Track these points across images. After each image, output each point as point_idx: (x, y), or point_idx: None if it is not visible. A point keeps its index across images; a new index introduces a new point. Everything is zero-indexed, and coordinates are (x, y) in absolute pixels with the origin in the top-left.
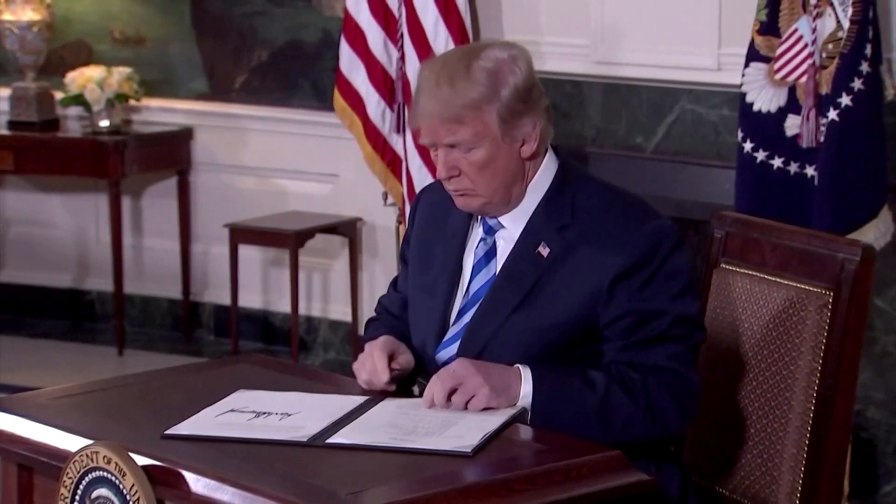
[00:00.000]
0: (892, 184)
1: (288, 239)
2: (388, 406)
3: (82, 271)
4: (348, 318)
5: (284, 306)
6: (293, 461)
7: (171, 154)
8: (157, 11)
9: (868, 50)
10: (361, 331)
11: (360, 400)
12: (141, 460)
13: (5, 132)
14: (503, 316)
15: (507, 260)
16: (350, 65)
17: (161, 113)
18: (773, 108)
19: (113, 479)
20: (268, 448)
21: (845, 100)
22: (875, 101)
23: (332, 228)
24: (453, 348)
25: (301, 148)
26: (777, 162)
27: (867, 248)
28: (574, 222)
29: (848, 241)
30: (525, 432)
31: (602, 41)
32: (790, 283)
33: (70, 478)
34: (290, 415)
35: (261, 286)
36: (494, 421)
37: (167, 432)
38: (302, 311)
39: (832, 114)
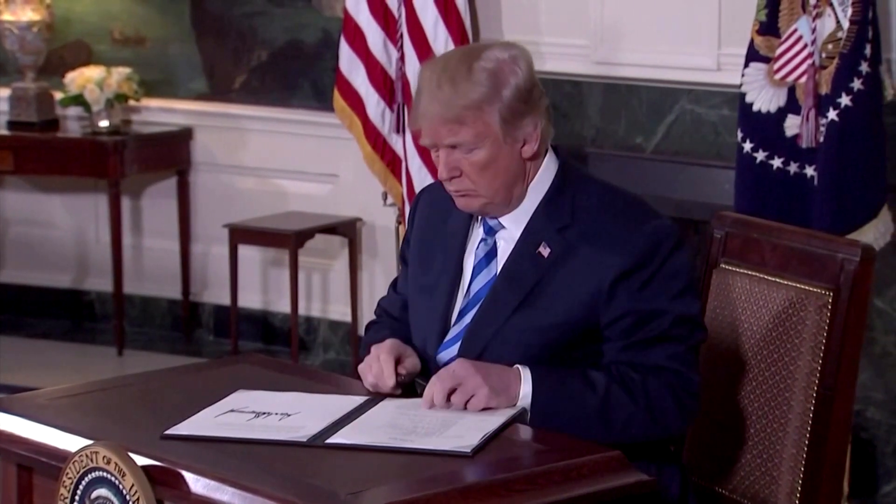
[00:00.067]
0: (891, 184)
1: (288, 239)
2: (388, 406)
3: (82, 271)
4: (348, 318)
5: (284, 306)
6: (293, 461)
7: (170, 154)
8: (156, 12)
9: (868, 50)
10: (361, 331)
11: (359, 400)
12: (141, 460)
13: (5, 132)
14: (504, 316)
15: (507, 260)
16: (350, 65)
17: (161, 113)
18: (773, 109)
19: (112, 479)
20: (267, 448)
21: (845, 100)
22: (875, 102)
23: (331, 229)
24: (454, 349)
25: (301, 148)
26: (777, 162)
27: (867, 249)
28: (574, 222)
29: (847, 242)
30: (525, 432)
31: (602, 41)
32: (790, 283)
33: (70, 478)
34: (289, 415)
35: (260, 286)
36: (494, 421)
37: (167, 432)
38: (301, 311)
39: (832, 114)
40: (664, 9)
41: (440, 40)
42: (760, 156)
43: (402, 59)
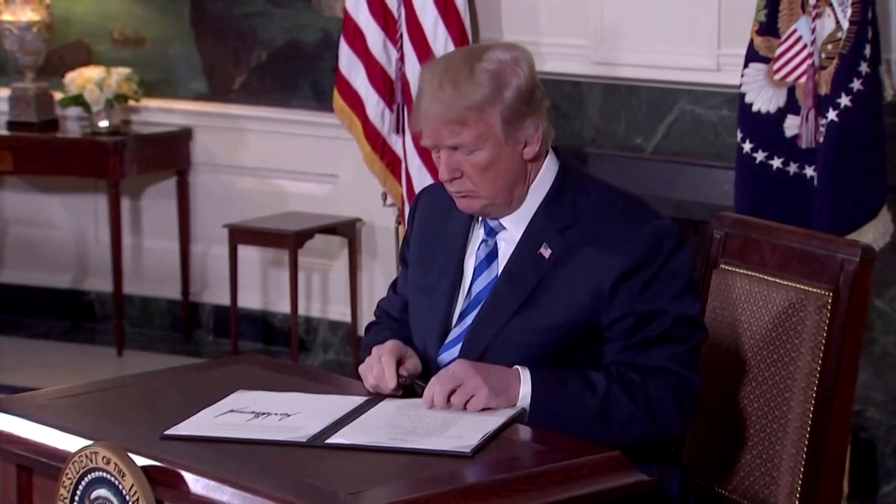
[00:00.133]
0: (891, 184)
1: (287, 239)
2: (388, 406)
3: (82, 272)
4: (347, 318)
5: (284, 307)
6: (292, 461)
7: (170, 154)
8: (156, 12)
9: (867, 50)
10: (361, 331)
11: (359, 400)
12: (140, 461)
13: (5, 132)
14: (505, 318)
15: (508, 262)
16: (349, 65)
17: (160, 113)
18: (773, 109)
19: (112, 479)
20: (267, 448)
21: (844, 100)
22: (874, 102)
23: (331, 229)
24: (455, 350)
25: (300, 148)
26: (776, 162)
27: (866, 249)
28: (575, 223)
29: (847, 242)
30: (525, 433)
31: (601, 42)
32: (789, 283)
33: (69, 478)
34: (289, 415)
35: (260, 287)
36: (494, 421)
37: (166, 433)
38: (301, 311)
39: (831, 114)
40: (664, 9)
41: (440, 40)
42: (760, 156)
43: (401, 59)
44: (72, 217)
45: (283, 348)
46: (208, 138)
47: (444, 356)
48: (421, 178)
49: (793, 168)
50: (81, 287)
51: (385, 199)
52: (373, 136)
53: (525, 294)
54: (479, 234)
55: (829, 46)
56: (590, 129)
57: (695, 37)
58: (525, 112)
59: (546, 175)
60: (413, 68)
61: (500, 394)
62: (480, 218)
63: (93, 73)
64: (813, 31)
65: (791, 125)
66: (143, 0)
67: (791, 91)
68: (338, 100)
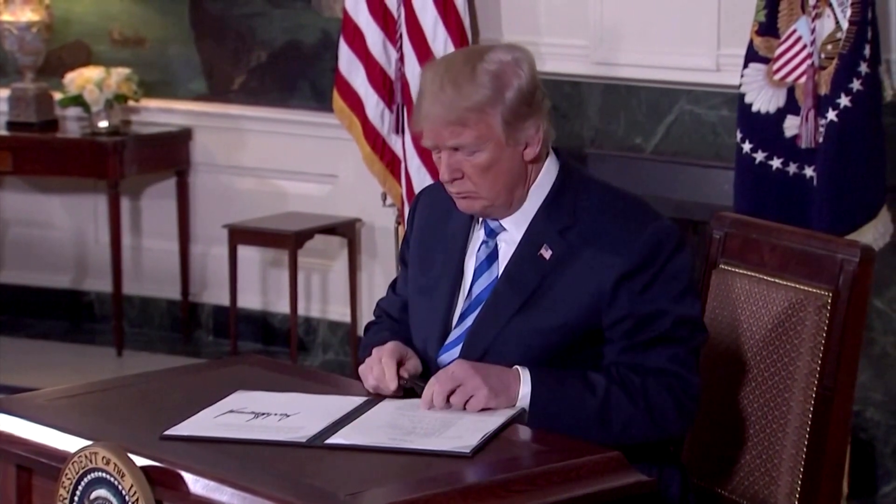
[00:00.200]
0: (890, 184)
1: (287, 240)
2: (388, 407)
3: (81, 272)
4: (347, 318)
5: (283, 307)
6: (292, 462)
7: (169, 155)
8: (156, 12)
9: (867, 51)
10: (360, 332)
11: (359, 400)
12: (140, 461)
13: (4, 133)
14: (506, 319)
15: (509, 263)
16: (349, 65)
17: (160, 114)
18: (772, 109)
19: (112, 479)
20: (267, 449)
21: (844, 100)
22: (874, 102)
23: (331, 229)
24: (455, 351)
25: (300, 149)
26: (776, 163)
27: (866, 249)
28: (575, 224)
29: (847, 242)
30: (524, 433)
31: (601, 42)
32: (789, 283)
33: (69, 479)
34: (289, 415)
35: (260, 287)
36: (493, 421)
37: (166, 433)
38: (301, 311)
39: (831, 114)
40: (663, 9)
41: (439, 41)
42: (760, 156)
43: (401, 59)
44: (71, 217)
45: (283, 349)
46: (208, 139)
47: (445, 357)
48: (420, 179)
49: (792, 168)
50: (81, 287)
51: (385, 199)
52: (372, 137)
53: (525, 295)
54: (479, 234)
55: (829, 47)
56: (589, 129)
57: (694, 37)
58: (526, 113)
59: (546, 176)
60: (413, 69)
61: (500, 394)
62: (481, 219)
63: (92, 73)
64: (812, 31)
65: (791, 125)
66: (142, 0)
67: (791, 91)
68: (337, 100)
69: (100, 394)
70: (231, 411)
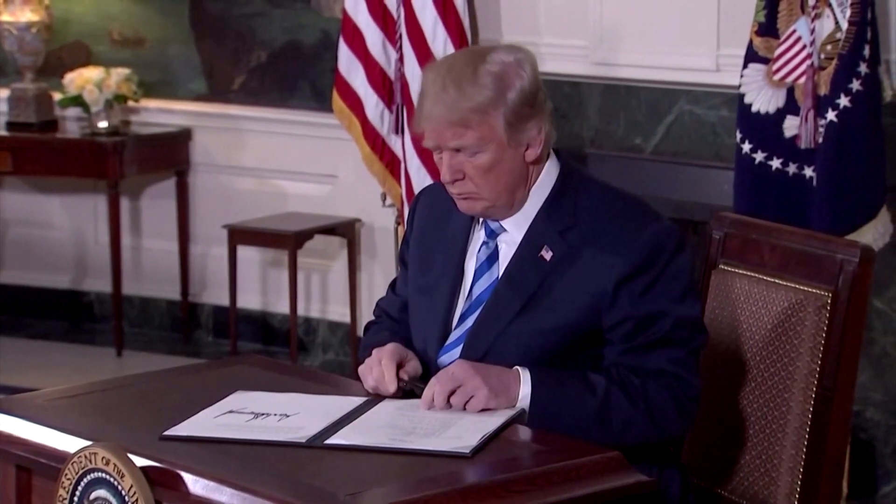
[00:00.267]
0: (890, 185)
1: (287, 240)
2: (387, 407)
3: (81, 272)
4: (347, 319)
5: (283, 307)
6: (292, 462)
7: (169, 155)
8: (155, 12)
9: (866, 51)
10: (360, 332)
11: (358, 401)
12: (139, 461)
13: (4, 133)
14: (506, 320)
15: (509, 264)
16: (349, 66)
17: (160, 114)
18: (772, 109)
19: (111, 480)
20: (266, 449)
21: (844, 101)
22: (873, 102)
23: (330, 229)
24: (456, 352)
25: (300, 149)
26: (776, 163)
27: (866, 249)
28: (576, 225)
29: (846, 242)
30: (524, 433)
31: (601, 42)
32: (789, 284)
33: (69, 479)
34: (288, 416)
35: (259, 287)
36: (493, 422)
37: (166, 433)
38: (301, 312)
39: (831, 115)
40: (663, 10)
41: (439, 41)
42: (759, 156)
43: (400, 59)
44: (71, 217)
45: (283, 349)
46: (208, 139)
47: (445, 358)
48: (420, 179)
49: (792, 168)
50: (81, 287)
51: (384, 199)
52: (372, 137)
53: (526, 296)
54: (479, 235)
55: (829, 47)
56: (589, 129)
57: (694, 37)
58: (528, 114)
59: (547, 177)
60: (412, 69)
61: (500, 394)
62: (481, 219)
63: (92, 73)
64: (812, 31)
65: (790, 126)
66: (142, 1)
67: (790, 91)
68: (337, 100)
69: (99, 394)
70: (231, 411)
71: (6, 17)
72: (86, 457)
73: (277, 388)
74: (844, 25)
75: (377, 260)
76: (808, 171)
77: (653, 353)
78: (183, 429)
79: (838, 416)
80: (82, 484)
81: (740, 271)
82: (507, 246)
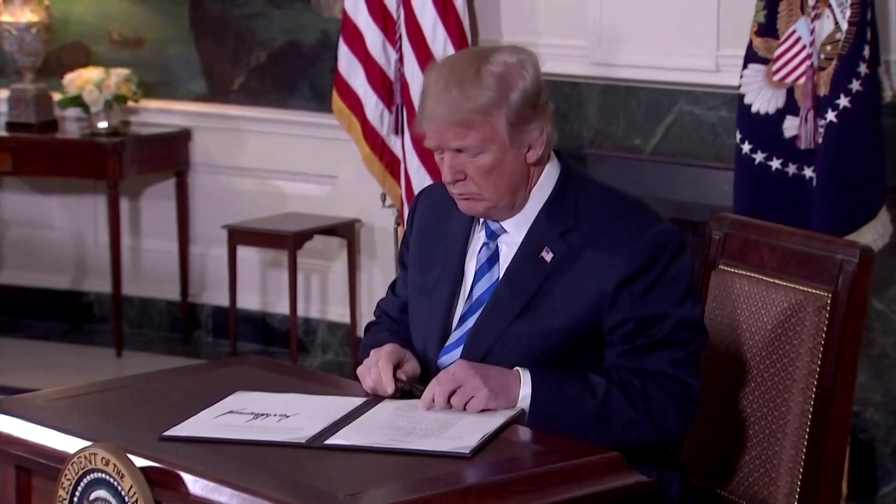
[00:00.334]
0: (890, 185)
1: (286, 240)
2: (387, 407)
3: (80, 273)
4: (347, 319)
5: (283, 308)
6: (292, 462)
7: (169, 155)
8: (155, 13)
9: (866, 51)
10: (360, 332)
11: (358, 401)
12: (139, 462)
13: (3, 133)
14: (506, 321)
15: (510, 265)
16: (348, 66)
17: (159, 114)
18: (772, 110)
19: (111, 480)
20: (266, 449)
21: (843, 101)
22: (873, 103)
23: (330, 230)
24: (456, 353)
25: (299, 149)
26: (775, 163)
27: (865, 250)
28: (577, 227)
29: (846, 243)
30: (524, 434)
31: (600, 42)
32: (789, 284)
33: (68, 479)
34: (288, 416)
35: (259, 287)
36: (493, 422)
37: (165, 434)
38: (300, 312)
39: (830, 115)
40: (663, 10)
41: (439, 41)
42: (759, 157)
43: (400, 60)
44: (71, 218)
45: (282, 349)
46: (207, 139)
47: (445, 359)
48: (420, 179)
49: (792, 169)
50: (80, 288)
51: (384, 199)
52: (372, 137)
53: (527, 298)
54: (480, 236)
55: (828, 47)
56: (589, 130)
57: (694, 38)
58: (530, 116)
59: (548, 179)
60: (412, 69)
61: (500, 395)
62: (481, 220)
63: (92, 73)
64: (812, 31)
65: (790, 126)
66: (142, 1)
67: (790, 92)
68: (337, 101)
69: (99, 394)
70: (230, 412)
71: (6, 18)
72: (85, 457)
73: (277, 389)
74: (844, 26)
75: (377, 260)
76: (808, 172)
77: (653, 355)
78: (183, 429)
79: (838, 417)
80: (82, 484)
81: (740, 272)
82: (508, 247)
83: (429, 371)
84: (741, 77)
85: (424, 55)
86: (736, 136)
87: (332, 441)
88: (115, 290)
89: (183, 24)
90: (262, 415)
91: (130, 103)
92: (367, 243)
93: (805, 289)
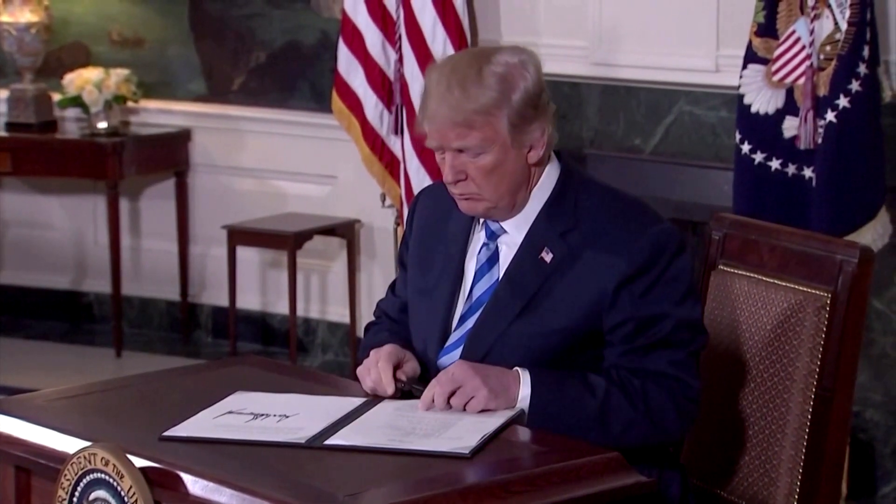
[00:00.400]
0: (889, 185)
1: (286, 240)
2: (387, 407)
3: (80, 273)
4: (346, 319)
5: (282, 308)
6: (291, 463)
7: (169, 155)
8: (155, 13)
9: (866, 52)
10: (360, 332)
11: (358, 401)
12: (139, 462)
13: (3, 134)
14: (506, 322)
15: (510, 265)
16: (348, 66)
17: (159, 114)
18: (771, 110)
19: (111, 480)
20: (266, 450)
21: (843, 101)
22: (873, 103)
23: (330, 230)
24: (456, 354)
25: (299, 149)
26: (775, 163)
27: (865, 250)
28: (577, 227)
29: (846, 243)
30: (524, 434)
31: (600, 43)
32: (788, 284)
33: (68, 480)
34: (288, 416)
35: (259, 288)
36: (493, 422)
37: (165, 434)
38: (300, 312)
39: (830, 115)
40: (662, 10)
41: (438, 42)
42: (759, 157)
43: (400, 60)
44: (70, 218)
45: (282, 349)
46: (207, 139)
47: (445, 359)
48: (420, 179)
49: (791, 169)
50: (80, 288)
51: (384, 200)
52: (371, 138)
53: (526, 298)
54: (479, 236)
55: (828, 48)
56: (588, 130)
57: (693, 38)
58: (532, 116)
59: (548, 179)
60: (412, 69)
61: (500, 395)
62: (481, 220)
63: (91, 74)
64: (811, 32)
65: (790, 126)
66: (141, 1)
67: (790, 92)
68: (336, 101)
69: (99, 395)
70: (230, 412)
71: (6, 18)
72: (85, 457)
73: (277, 389)
74: (844, 26)
75: (377, 261)
76: (808, 172)
77: (653, 355)
78: (182, 429)
79: (838, 417)
80: (81, 485)
81: (740, 272)
82: (508, 247)
83: (429, 371)
84: (741, 77)
85: (424, 55)
86: (735, 136)
87: (331, 441)
88: (114, 291)
89: (183, 24)
90: (262, 415)
91: (130, 103)
92: (366, 243)
93: (805, 289)
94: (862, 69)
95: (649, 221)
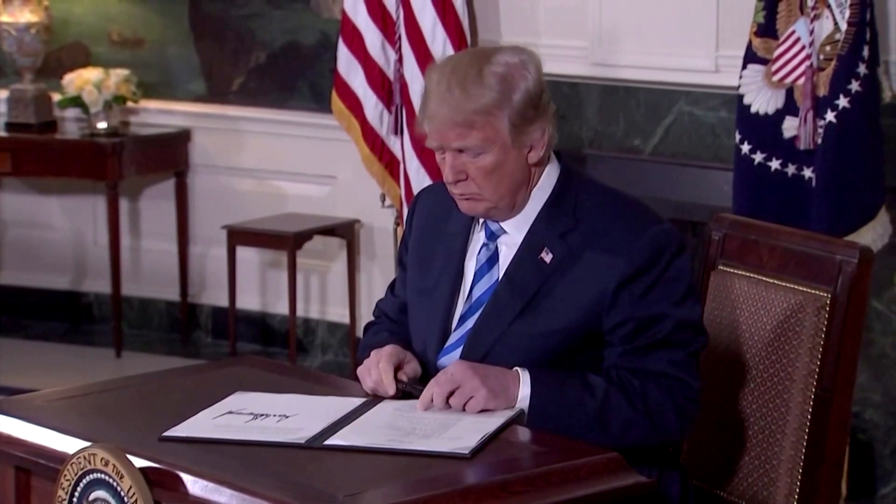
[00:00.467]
0: (889, 185)
1: (286, 241)
2: (386, 408)
3: (80, 273)
4: (346, 319)
5: (282, 308)
6: (291, 463)
7: (168, 156)
8: (155, 13)
9: (865, 52)
10: (360, 333)
11: (358, 402)
12: (138, 462)
13: (3, 134)
14: (506, 322)
15: (509, 266)
16: (348, 67)
17: (159, 115)
18: (771, 110)
19: (110, 481)
20: (266, 450)
21: (843, 102)
22: (872, 103)
23: (329, 230)
24: (456, 354)
25: (299, 150)
26: (775, 164)
27: (865, 250)
28: (576, 227)
29: (845, 243)
30: (523, 434)
31: (600, 43)
32: (788, 284)
33: (67, 480)
34: (287, 416)
35: (258, 288)
36: (492, 423)
37: (165, 434)
38: (300, 312)
39: (830, 116)
40: (662, 10)
41: (438, 42)
42: (758, 157)
43: (400, 60)
44: (70, 219)
45: (282, 350)
46: (207, 140)
47: (445, 359)
48: (419, 180)
49: (791, 169)
50: (80, 289)
51: (383, 200)
52: (371, 138)
53: (526, 299)
54: (479, 237)
55: (828, 48)
56: (588, 130)
57: (693, 38)
58: (532, 116)
59: (548, 179)
60: (411, 70)
61: (499, 395)
62: (481, 221)
63: (91, 74)
64: (811, 32)
65: (789, 126)
66: (141, 1)
67: (789, 92)
68: (336, 101)
69: (98, 395)
70: (230, 412)
71: (5, 18)
72: (85, 458)
73: (276, 389)
74: (843, 26)
75: (376, 261)
76: (808, 172)
77: (653, 355)
78: (182, 430)
79: (837, 417)
80: (81, 485)
81: (739, 272)
82: (508, 248)
83: (429, 372)
84: (740, 77)
85: (424, 56)
86: (735, 136)
87: (331, 441)
88: (114, 291)
89: (182, 24)
90: (262, 415)
91: (130, 104)
92: (366, 244)
93: (805, 289)
94: (862, 69)
95: (649, 222)
